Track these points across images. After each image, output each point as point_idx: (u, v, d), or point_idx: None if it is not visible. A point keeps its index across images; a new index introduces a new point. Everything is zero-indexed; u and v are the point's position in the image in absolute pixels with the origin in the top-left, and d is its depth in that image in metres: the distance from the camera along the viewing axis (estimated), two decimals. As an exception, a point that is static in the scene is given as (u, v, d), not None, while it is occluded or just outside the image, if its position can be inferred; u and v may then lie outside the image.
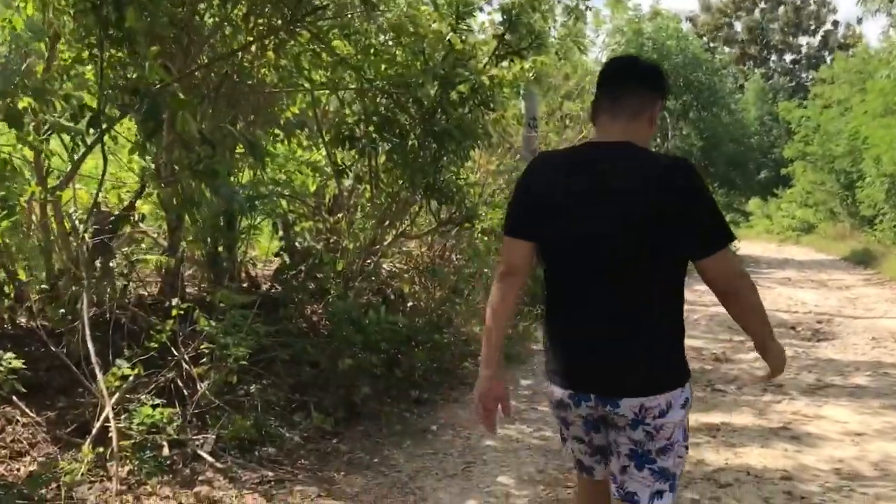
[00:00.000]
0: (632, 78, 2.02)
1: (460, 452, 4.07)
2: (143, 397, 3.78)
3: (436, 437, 4.30)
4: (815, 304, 9.85)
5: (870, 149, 16.44)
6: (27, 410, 3.65)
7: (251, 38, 4.97)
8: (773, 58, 40.66)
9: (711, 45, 34.28)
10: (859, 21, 39.94)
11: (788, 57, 40.82)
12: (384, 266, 6.86)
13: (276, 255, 5.53)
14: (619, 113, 1.96)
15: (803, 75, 38.47)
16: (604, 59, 21.58)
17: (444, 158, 5.83)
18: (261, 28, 5.08)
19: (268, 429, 3.98)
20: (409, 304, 6.39)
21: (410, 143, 5.70)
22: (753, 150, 23.60)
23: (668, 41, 19.18)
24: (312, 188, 6.35)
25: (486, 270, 7.59)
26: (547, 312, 2.09)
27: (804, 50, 40.10)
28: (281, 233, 5.93)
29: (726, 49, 37.83)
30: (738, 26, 41.66)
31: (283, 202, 6.02)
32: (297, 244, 6.05)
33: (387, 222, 6.42)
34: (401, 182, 5.99)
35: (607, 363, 1.92)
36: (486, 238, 7.45)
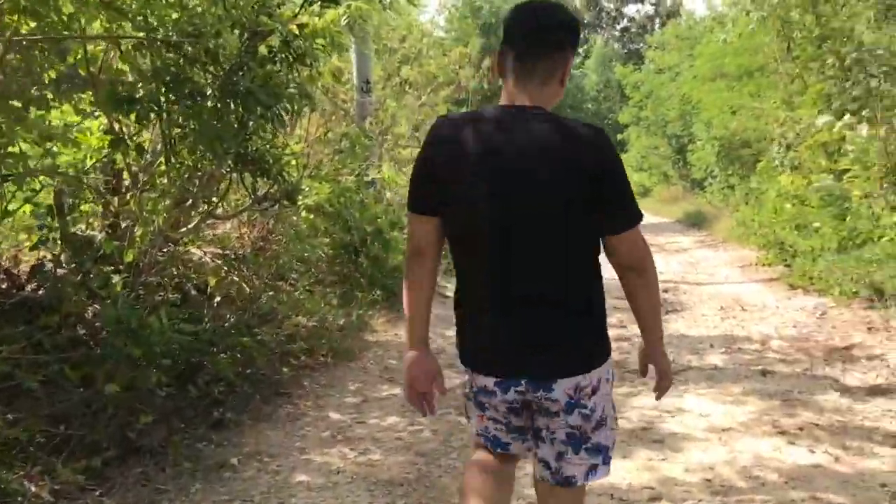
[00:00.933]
0: (544, 35, 1.84)
1: (264, 494, 3.23)
2: None
3: (235, 475, 3.42)
4: (658, 269, 9.69)
5: (700, 112, 16.86)
6: None
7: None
8: (605, 28, 41.72)
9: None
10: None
11: (619, 27, 42.04)
12: (193, 254, 5.86)
13: (34, 247, 4.41)
14: (529, 75, 1.82)
15: (638, 44, 39.73)
16: (442, 22, 20.86)
17: (251, 124, 4.90)
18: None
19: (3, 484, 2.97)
20: (218, 298, 5.43)
21: (209, 105, 4.72)
22: (592, 116, 23.91)
23: (504, 5, 18.76)
24: (89, 162, 5.20)
25: (321, 253, 6.74)
26: (459, 295, 1.95)
27: (636, 17, 41.43)
28: (49, 219, 4.77)
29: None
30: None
31: (52, 179, 4.85)
32: (77, 232, 4.93)
33: (189, 201, 5.41)
34: (200, 153, 4.99)
35: (536, 346, 1.82)
36: (311, 217, 6.57)
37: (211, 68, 4.69)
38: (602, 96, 30.83)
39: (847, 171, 8.55)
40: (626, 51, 37.96)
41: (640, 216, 1.85)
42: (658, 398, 2.06)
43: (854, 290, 6.32)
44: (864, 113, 9.10)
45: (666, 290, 8.10)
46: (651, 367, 2.02)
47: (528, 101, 1.81)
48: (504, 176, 1.77)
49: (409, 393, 1.98)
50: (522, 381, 1.83)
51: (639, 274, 1.87)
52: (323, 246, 6.76)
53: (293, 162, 6.48)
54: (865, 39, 10.35)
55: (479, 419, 1.98)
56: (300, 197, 6.34)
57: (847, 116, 9.10)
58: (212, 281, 5.56)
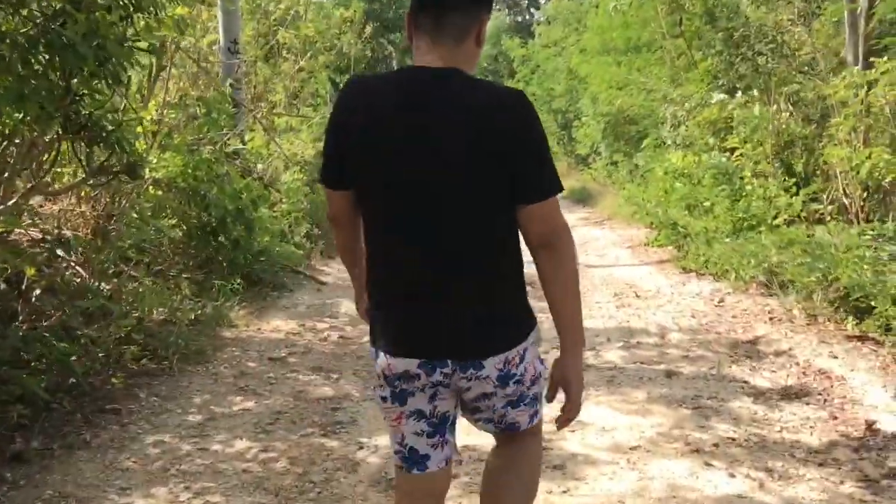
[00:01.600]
0: None
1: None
2: None
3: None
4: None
5: (588, 87, 16.63)
6: None
7: None
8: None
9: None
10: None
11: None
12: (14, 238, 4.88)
13: None
14: (442, 34, 1.69)
15: (524, 17, 39.56)
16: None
17: (75, 81, 4.00)
18: None
19: None
20: (38, 292, 4.50)
21: (17, 58, 3.78)
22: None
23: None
24: None
25: (172, 236, 5.84)
26: (372, 273, 1.82)
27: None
28: None
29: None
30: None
31: None
32: None
33: (4, 174, 4.44)
34: (19, 115, 4.04)
35: (460, 324, 1.72)
36: (159, 193, 5.66)
37: (23, 12, 3.77)
38: (492, 69, 30.41)
39: (735, 149, 8.34)
40: (518, 21, 37.76)
41: (557, 186, 1.71)
42: (558, 428, 1.89)
43: (750, 275, 6.01)
44: (753, 91, 8.93)
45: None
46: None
47: (442, 62, 1.69)
48: (419, 143, 1.65)
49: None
50: (448, 362, 1.73)
51: (550, 253, 1.72)
52: (174, 227, 5.87)
53: (138, 129, 5.56)
54: (749, 16, 10.23)
55: (396, 422, 1.84)
56: (147, 170, 5.45)
57: (739, 94, 8.90)
58: (29, 270, 4.61)
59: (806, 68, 9.18)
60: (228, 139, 6.83)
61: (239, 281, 5.79)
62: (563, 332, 1.77)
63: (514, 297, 1.79)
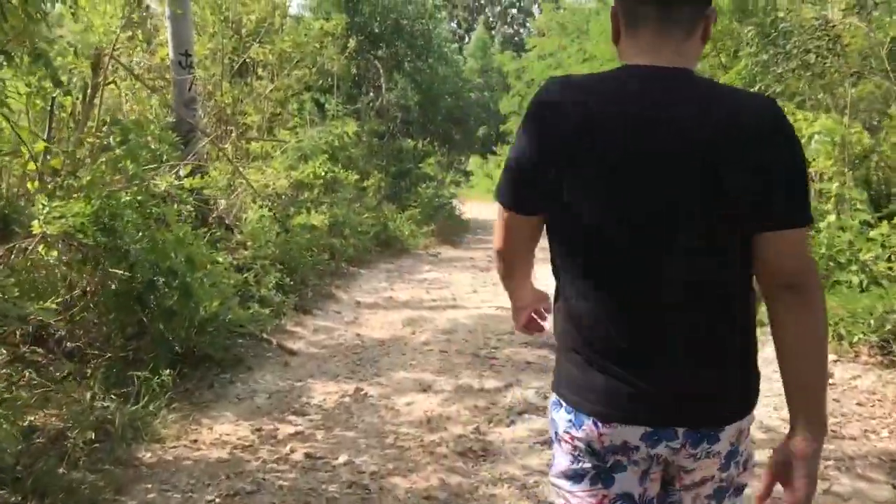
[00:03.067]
0: None
1: None
2: None
3: None
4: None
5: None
6: None
7: None
8: (489, 10, 40.05)
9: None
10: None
11: (500, 9, 40.45)
12: None
13: None
14: (671, 27, 1.40)
15: (517, 29, 38.33)
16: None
17: None
18: None
19: None
20: None
21: None
22: (473, 105, 22.03)
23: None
24: None
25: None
26: (568, 317, 1.51)
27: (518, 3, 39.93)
28: None
29: None
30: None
31: None
32: None
33: None
34: None
35: (696, 386, 1.42)
36: (51, 252, 4.15)
37: None
38: (483, 84, 29.00)
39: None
40: (511, 34, 36.52)
41: (810, 216, 1.39)
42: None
43: (861, 338, 4.49)
44: (803, 97, 7.50)
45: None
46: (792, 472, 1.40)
47: (667, 60, 1.40)
48: (648, 159, 1.35)
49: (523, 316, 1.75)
50: (678, 432, 1.42)
51: (797, 296, 1.36)
52: (81, 297, 4.34)
53: (20, 168, 4.06)
54: (791, 9, 8.83)
55: None
56: (36, 222, 3.96)
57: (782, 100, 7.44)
58: None
59: (866, 66, 7.75)
60: (176, 172, 5.30)
61: (168, 372, 4.22)
62: (800, 405, 1.37)
63: (748, 349, 1.47)
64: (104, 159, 4.43)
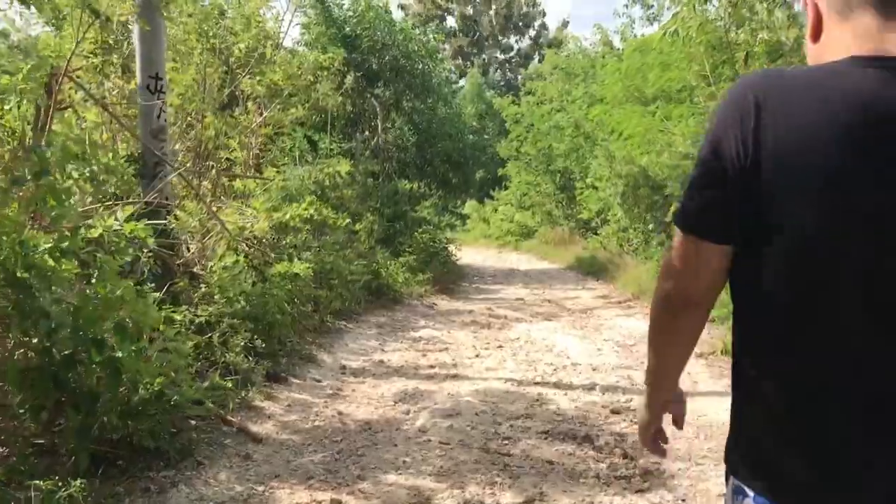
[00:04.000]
0: None
1: None
2: None
3: None
4: (587, 361, 6.73)
5: (602, 143, 14.40)
6: None
7: None
8: (486, 55, 39.59)
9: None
10: (566, 24, 39.92)
11: (500, 55, 40.04)
12: None
13: None
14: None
15: (515, 74, 37.81)
16: (292, 24, 17.42)
17: None
18: None
19: None
20: None
21: None
22: (471, 148, 21.26)
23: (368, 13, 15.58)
24: None
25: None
26: (766, 377, 1.22)
27: (516, 47, 39.50)
28: None
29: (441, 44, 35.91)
30: (451, 21, 40.07)
31: None
32: None
33: None
34: None
35: None
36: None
37: None
38: (480, 127, 28.31)
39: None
40: (508, 80, 35.97)
41: None
42: None
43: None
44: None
45: (621, 423, 5.12)
46: None
47: None
48: (889, 176, 1.08)
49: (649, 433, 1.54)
50: None
51: None
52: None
53: None
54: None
55: None
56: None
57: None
58: None
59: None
60: (110, 215, 4.29)
61: (79, 482, 3.16)
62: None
63: None
64: (16, 194, 3.42)
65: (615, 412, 5.16)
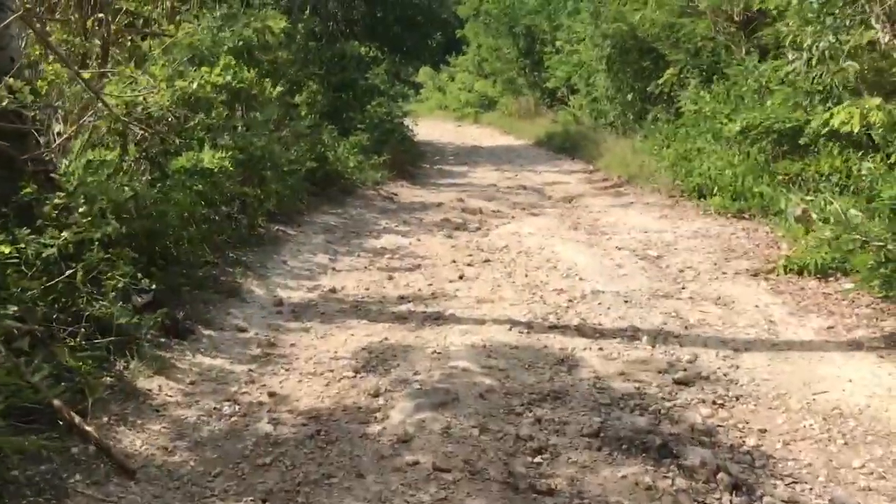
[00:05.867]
0: None
1: None
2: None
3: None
4: (610, 286, 4.98)
5: None
6: None
7: None
8: None
9: None
10: None
11: None
12: None
13: None
14: None
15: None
16: None
17: None
18: None
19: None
20: None
21: None
22: (427, 6, 18.73)
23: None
24: None
25: None
26: None
27: None
28: None
29: None
30: None
31: None
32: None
33: None
34: None
35: None
36: None
37: None
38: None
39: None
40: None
41: None
42: None
43: None
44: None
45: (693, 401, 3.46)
46: None
47: None
48: None
49: None
50: None
51: None
52: None
53: None
54: None
55: None
56: None
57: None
58: None
59: None
60: None
61: None
62: None
63: None
64: None
65: (682, 383, 3.49)
